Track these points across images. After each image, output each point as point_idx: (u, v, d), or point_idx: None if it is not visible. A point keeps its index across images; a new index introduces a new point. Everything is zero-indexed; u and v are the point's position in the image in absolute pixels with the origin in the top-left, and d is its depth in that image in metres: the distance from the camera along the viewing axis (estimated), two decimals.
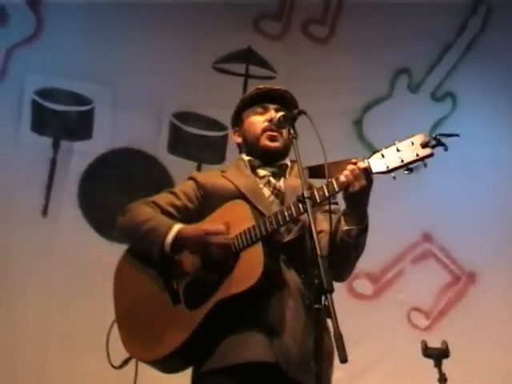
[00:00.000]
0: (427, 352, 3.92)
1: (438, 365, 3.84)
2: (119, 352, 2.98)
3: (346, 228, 2.74)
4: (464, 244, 5.76)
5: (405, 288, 5.67)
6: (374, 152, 2.65)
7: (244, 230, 2.77)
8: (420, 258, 5.80)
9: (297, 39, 6.15)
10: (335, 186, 2.67)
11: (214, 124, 5.75)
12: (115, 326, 2.98)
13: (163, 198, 3.07)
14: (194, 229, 2.85)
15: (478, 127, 5.91)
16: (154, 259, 2.88)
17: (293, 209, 2.71)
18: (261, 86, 3.27)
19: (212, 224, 2.87)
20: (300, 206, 2.65)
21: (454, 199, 5.82)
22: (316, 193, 2.69)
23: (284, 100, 3.17)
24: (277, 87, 3.24)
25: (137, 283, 2.96)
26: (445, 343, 3.89)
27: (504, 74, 6.11)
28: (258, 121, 3.15)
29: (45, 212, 5.35)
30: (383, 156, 2.61)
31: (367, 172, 2.63)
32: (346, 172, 2.64)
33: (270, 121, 3.07)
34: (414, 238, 5.82)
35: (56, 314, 5.09)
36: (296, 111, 2.85)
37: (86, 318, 4.84)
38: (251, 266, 2.70)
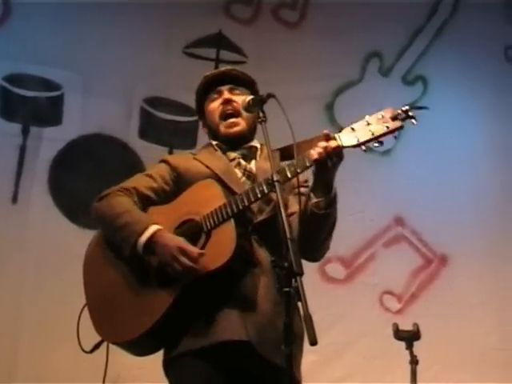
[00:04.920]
0: (399, 335, 3.96)
1: (410, 347, 3.89)
2: (91, 337, 2.96)
3: (314, 200, 2.76)
4: (436, 227, 5.80)
5: (377, 272, 5.70)
6: (346, 127, 2.68)
7: (215, 209, 2.76)
8: (392, 241, 5.83)
9: (267, 24, 6.13)
10: (306, 162, 2.69)
11: (185, 109, 5.70)
12: (86, 311, 2.96)
13: (142, 182, 3.03)
14: (170, 238, 2.79)
15: (449, 110, 5.94)
16: (124, 255, 2.84)
17: (264, 186, 2.72)
18: (207, 73, 3.26)
19: (185, 204, 2.86)
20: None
21: (425, 182, 5.86)
22: (287, 169, 2.70)
23: (235, 78, 3.17)
24: (222, 69, 3.26)
25: (107, 265, 2.92)
26: (416, 326, 3.93)
27: (474, 58, 6.15)
28: (214, 107, 3.13)
29: (15, 199, 5.31)
30: (353, 130, 2.64)
31: (339, 149, 2.65)
32: (319, 149, 2.66)
33: (224, 102, 3.08)
34: (385, 222, 5.85)
35: (27, 302, 5.06)
36: (265, 94, 2.84)
37: (58, 305, 4.82)
38: (224, 243, 2.69)
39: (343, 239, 5.41)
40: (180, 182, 3.02)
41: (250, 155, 3.11)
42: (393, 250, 5.80)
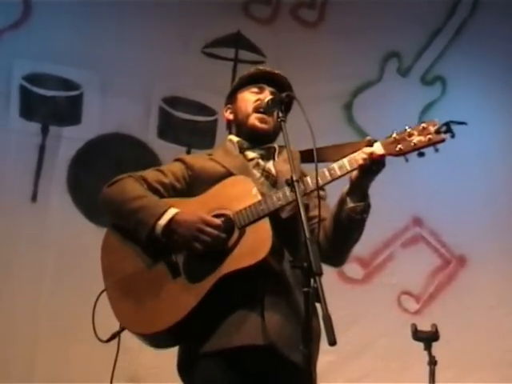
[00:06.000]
0: (417, 335, 3.94)
1: (428, 348, 3.87)
2: (107, 329, 2.96)
3: (352, 205, 2.78)
4: (454, 228, 5.78)
5: (395, 272, 5.69)
6: (387, 136, 2.73)
7: (249, 205, 2.76)
8: (410, 242, 5.82)
9: (286, 23, 6.12)
10: (348, 166, 2.72)
11: (204, 109, 5.73)
12: (99, 303, 2.97)
13: (151, 175, 3.03)
14: (190, 214, 2.80)
15: (467, 111, 5.88)
16: (140, 238, 2.84)
17: (303, 185, 2.72)
18: (261, 67, 3.27)
19: (214, 198, 2.85)
20: (310, 181, 2.72)
21: (443, 183, 5.84)
22: (327, 172, 2.74)
23: (282, 86, 3.14)
24: (276, 71, 3.21)
25: (128, 255, 2.91)
26: (434, 326, 3.91)
27: (493, 58, 6.11)
28: (250, 98, 3.12)
29: (34, 198, 5.34)
30: (396, 139, 2.70)
31: (384, 157, 2.71)
32: (363, 155, 2.69)
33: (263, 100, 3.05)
34: (403, 222, 5.84)
35: (45, 300, 5.09)
36: (284, 95, 2.87)
37: (76, 305, 4.82)
38: (260, 240, 2.69)
39: (361, 239, 5.39)
40: (194, 182, 3.01)
41: (268, 155, 3.10)
42: (411, 250, 5.79)
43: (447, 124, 2.63)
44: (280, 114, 2.80)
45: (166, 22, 5.83)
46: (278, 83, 3.15)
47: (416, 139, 2.66)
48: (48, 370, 4.96)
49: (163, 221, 2.79)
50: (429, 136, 2.64)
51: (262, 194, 2.80)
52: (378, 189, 5.69)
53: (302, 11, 6.17)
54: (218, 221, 2.76)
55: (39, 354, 5.02)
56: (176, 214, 2.80)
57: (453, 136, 2.63)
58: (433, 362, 3.85)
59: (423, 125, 2.67)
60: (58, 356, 5.00)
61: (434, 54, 6.18)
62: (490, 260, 5.70)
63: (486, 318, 5.54)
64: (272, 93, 3.09)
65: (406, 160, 2.70)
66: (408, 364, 5.16)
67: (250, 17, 6.10)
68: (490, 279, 5.67)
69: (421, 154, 2.67)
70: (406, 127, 2.69)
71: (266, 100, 2.93)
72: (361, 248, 5.50)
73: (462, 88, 6.08)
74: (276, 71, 3.21)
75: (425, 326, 3.96)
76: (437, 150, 2.66)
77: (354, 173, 2.75)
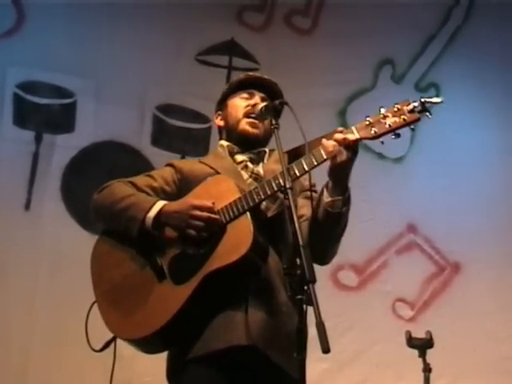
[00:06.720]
0: (412, 342, 3.94)
1: (423, 355, 3.86)
2: (101, 338, 2.95)
3: (329, 199, 2.73)
4: (449, 234, 5.79)
5: (389, 279, 5.69)
6: (362, 121, 2.69)
7: (230, 203, 2.74)
8: (404, 248, 5.82)
9: (280, 31, 6.14)
10: (320, 156, 2.68)
11: (198, 116, 5.73)
12: (93, 312, 2.95)
13: (140, 180, 3.05)
14: (179, 203, 2.81)
15: (461, 117, 5.92)
16: (132, 235, 2.83)
17: (280, 179, 2.68)
18: (251, 73, 3.29)
19: (197, 198, 2.82)
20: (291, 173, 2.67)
21: (438, 190, 5.84)
22: (295, 166, 2.70)
23: (272, 91, 3.16)
24: (266, 77, 3.23)
25: (116, 263, 2.91)
26: (429, 333, 3.91)
27: (487, 65, 6.13)
28: (240, 104, 3.14)
29: (27, 206, 5.32)
30: (370, 123, 2.66)
31: (355, 142, 2.66)
32: (333, 142, 2.65)
33: (254, 105, 3.06)
34: (398, 229, 5.83)
35: (39, 308, 5.07)
36: (278, 102, 2.88)
37: (70, 312, 4.81)
38: (240, 236, 2.67)
39: (356, 246, 5.41)
40: (184, 184, 3.02)
41: (257, 159, 3.11)
42: (405, 257, 5.79)
43: (421, 103, 2.60)
44: (273, 122, 2.79)
45: (159, 30, 5.84)
46: (268, 89, 3.17)
47: (391, 121, 2.62)
48: (41, 377, 4.95)
49: (152, 213, 2.79)
50: (403, 116, 2.61)
51: (242, 191, 2.79)
52: (372, 195, 5.73)
53: (296, 18, 6.19)
54: (208, 203, 2.74)
55: (33, 359, 4.99)
56: (164, 205, 2.82)
57: (430, 115, 2.60)
58: (427, 370, 3.85)
59: (397, 106, 2.64)
60: (52, 363, 4.98)
61: (428, 61, 6.20)
62: (485, 266, 5.70)
63: (481, 324, 5.54)
64: (263, 98, 3.11)
65: (382, 143, 2.68)
66: (403, 371, 5.15)
67: (244, 24, 6.11)
68: (484, 286, 5.67)
69: (397, 135, 2.64)
70: (381, 110, 2.66)
71: (260, 107, 2.94)
72: (355, 255, 5.59)
73: (456, 94, 6.06)
74: (265, 77, 3.23)
75: (419, 333, 3.96)
76: (413, 130, 2.64)
77: (329, 164, 2.70)
